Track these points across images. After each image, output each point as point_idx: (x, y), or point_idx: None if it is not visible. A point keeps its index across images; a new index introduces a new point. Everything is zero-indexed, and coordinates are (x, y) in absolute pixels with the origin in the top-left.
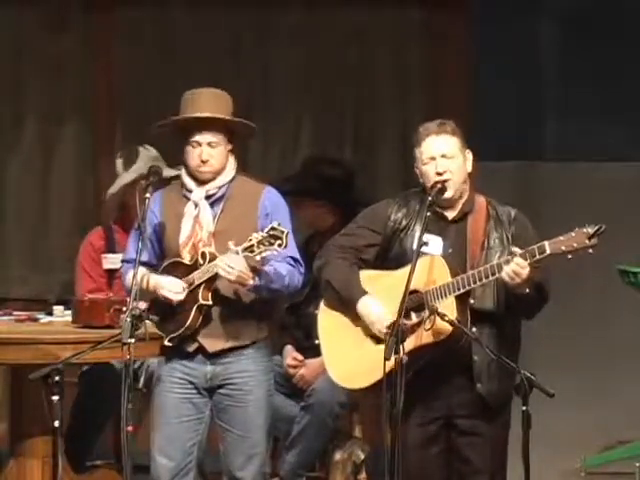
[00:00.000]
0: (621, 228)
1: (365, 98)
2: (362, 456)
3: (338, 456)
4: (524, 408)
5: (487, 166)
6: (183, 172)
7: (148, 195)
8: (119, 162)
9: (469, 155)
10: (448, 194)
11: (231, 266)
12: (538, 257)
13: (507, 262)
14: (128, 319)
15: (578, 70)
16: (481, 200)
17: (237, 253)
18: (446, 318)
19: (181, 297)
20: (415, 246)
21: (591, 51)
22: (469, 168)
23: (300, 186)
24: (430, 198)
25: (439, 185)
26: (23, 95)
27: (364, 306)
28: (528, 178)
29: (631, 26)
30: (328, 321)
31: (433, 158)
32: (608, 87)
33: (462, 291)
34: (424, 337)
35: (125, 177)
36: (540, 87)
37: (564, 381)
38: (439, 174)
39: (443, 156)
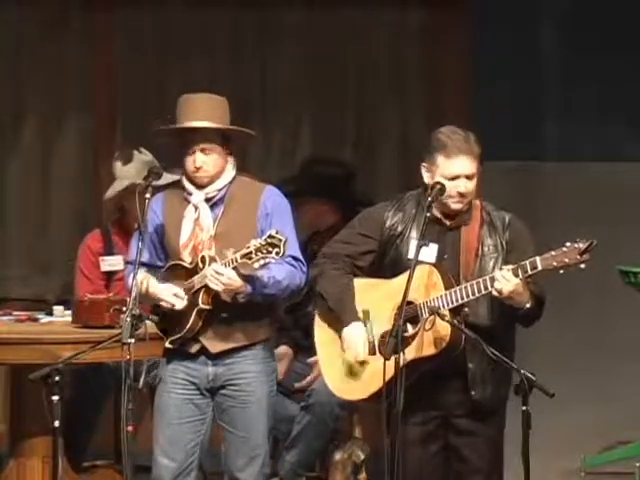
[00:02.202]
0: (621, 228)
1: (365, 98)
2: (362, 456)
3: (338, 456)
4: (524, 408)
5: (487, 166)
6: (183, 176)
7: (148, 196)
8: (117, 164)
9: (480, 169)
10: (458, 206)
11: (217, 278)
12: (530, 272)
13: (498, 278)
14: (128, 319)
15: (578, 70)
16: (476, 205)
17: (234, 261)
18: (446, 318)
19: (182, 305)
20: (411, 253)
21: (590, 51)
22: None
23: (300, 186)
24: (430, 199)
25: (438, 186)
26: (23, 95)
27: (349, 332)
28: (528, 178)
29: (630, 26)
30: (324, 333)
31: (457, 177)
32: (608, 87)
33: (457, 304)
34: (422, 349)
35: (119, 184)
36: (540, 87)
37: (564, 381)
38: (462, 195)
39: (467, 177)
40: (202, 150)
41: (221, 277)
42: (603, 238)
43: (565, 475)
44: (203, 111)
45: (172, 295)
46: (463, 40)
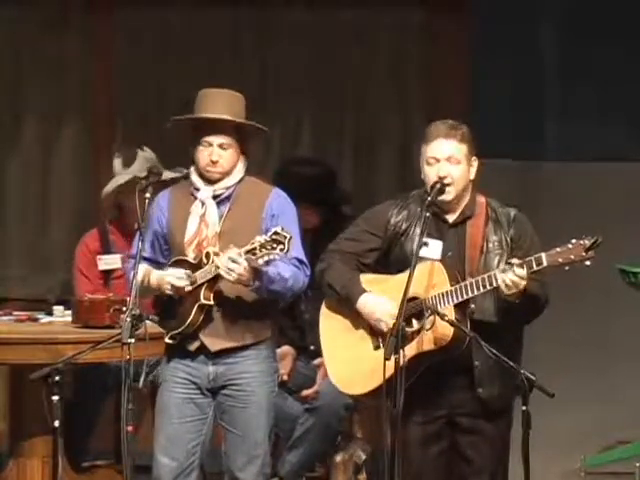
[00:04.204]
0: (621, 228)
1: (365, 98)
2: (363, 457)
3: (339, 457)
4: (524, 408)
5: (487, 166)
6: (192, 170)
7: (148, 195)
8: (117, 162)
9: (475, 162)
10: (447, 197)
11: (231, 267)
12: (535, 268)
13: (504, 271)
14: (128, 319)
15: (578, 70)
16: (481, 201)
17: (239, 255)
18: (446, 318)
19: (185, 283)
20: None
21: (591, 51)
22: (472, 176)
23: (280, 188)
24: (430, 198)
25: (438, 185)
26: (23, 95)
27: (365, 304)
28: (528, 178)
29: (630, 26)
30: (329, 325)
31: (437, 160)
32: (608, 87)
33: (461, 300)
34: (425, 344)
35: (120, 178)
36: (540, 87)
37: (564, 381)
38: (440, 177)
39: (447, 160)
40: (220, 145)
41: (237, 266)
42: (604, 238)
43: (565, 475)
44: (223, 106)
45: (175, 278)
46: (463, 40)
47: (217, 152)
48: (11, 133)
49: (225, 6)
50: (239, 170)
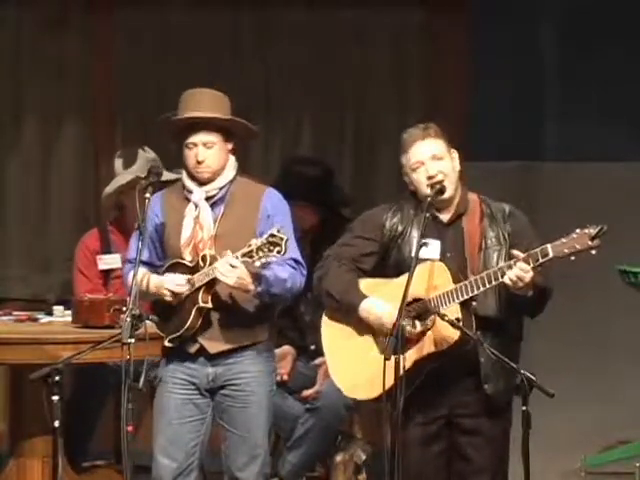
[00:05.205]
0: (621, 228)
1: (365, 98)
2: (363, 457)
3: (339, 457)
4: (524, 408)
5: (487, 166)
6: (184, 174)
7: (148, 195)
8: (118, 162)
9: (455, 154)
10: (446, 194)
11: (229, 271)
12: (541, 261)
13: (510, 267)
14: (128, 319)
15: (578, 70)
16: (474, 199)
17: (236, 259)
18: (446, 318)
19: (185, 289)
20: (413, 252)
21: (591, 51)
22: (458, 167)
23: (279, 188)
24: (429, 199)
25: (438, 185)
26: (23, 95)
27: (368, 309)
28: (528, 178)
29: (630, 26)
30: (332, 332)
31: (422, 162)
32: (608, 87)
33: (466, 297)
34: (429, 346)
35: (121, 178)
36: (540, 87)
37: (564, 381)
38: (431, 177)
39: (432, 158)
40: (204, 144)
41: (236, 270)
42: (604, 238)
43: (565, 475)
44: (205, 105)
45: (175, 285)
46: (463, 40)
47: (202, 152)
48: (11, 133)
49: (225, 6)
50: (230, 169)
